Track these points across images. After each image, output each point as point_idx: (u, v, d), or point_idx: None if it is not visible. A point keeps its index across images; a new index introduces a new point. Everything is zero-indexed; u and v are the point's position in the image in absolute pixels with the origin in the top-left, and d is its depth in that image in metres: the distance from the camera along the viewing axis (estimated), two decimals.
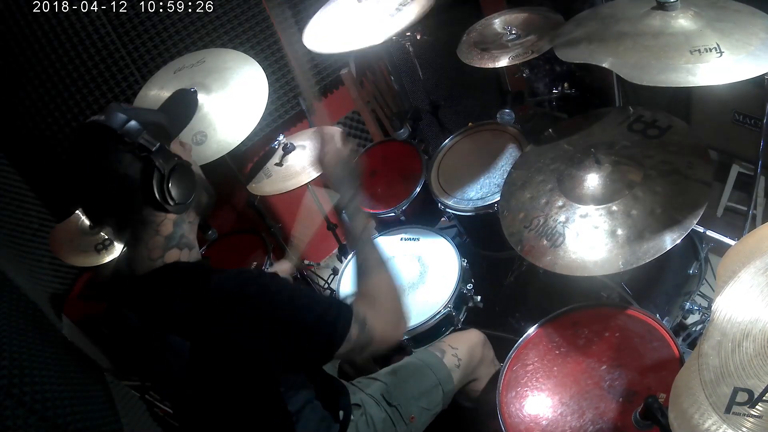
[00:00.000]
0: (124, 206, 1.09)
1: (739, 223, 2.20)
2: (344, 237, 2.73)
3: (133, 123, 1.04)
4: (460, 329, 1.84)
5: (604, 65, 1.34)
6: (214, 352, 1.07)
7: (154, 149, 1.03)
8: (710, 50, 1.23)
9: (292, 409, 1.21)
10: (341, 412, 1.40)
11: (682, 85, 1.22)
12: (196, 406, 1.20)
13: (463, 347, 1.70)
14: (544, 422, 1.36)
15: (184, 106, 1.26)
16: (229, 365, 1.08)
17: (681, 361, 1.33)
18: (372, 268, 1.23)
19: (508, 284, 2.14)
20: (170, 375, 1.16)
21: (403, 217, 2.16)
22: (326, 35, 2.03)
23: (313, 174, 2.02)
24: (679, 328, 1.84)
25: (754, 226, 1.94)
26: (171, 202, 1.07)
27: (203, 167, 1.28)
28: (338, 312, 1.10)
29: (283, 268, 1.83)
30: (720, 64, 1.21)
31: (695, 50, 1.24)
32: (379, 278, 1.22)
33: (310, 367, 1.26)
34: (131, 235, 1.12)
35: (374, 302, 1.17)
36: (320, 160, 1.33)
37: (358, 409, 1.47)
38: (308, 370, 1.28)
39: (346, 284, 2.00)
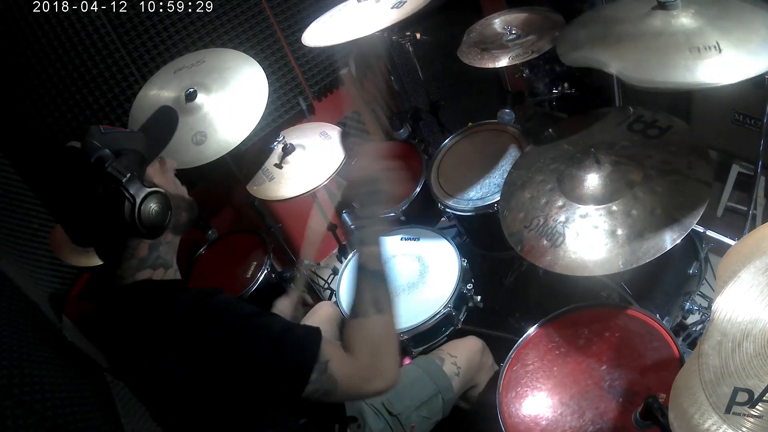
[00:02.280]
0: (99, 234, 1.12)
1: (739, 223, 2.20)
2: (345, 238, 2.73)
3: (105, 152, 1.05)
4: (458, 337, 1.83)
5: (610, 71, 1.33)
6: (184, 369, 1.05)
7: (124, 180, 1.05)
8: (710, 48, 1.23)
9: (282, 426, 1.18)
10: (336, 426, 1.39)
11: (681, 85, 1.21)
12: (176, 418, 1.16)
13: (462, 355, 1.70)
14: (544, 422, 1.36)
15: (163, 126, 1.25)
16: (202, 383, 1.04)
17: (681, 361, 1.33)
18: (366, 306, 1.08)
19: (508, 284, 2.14)
20: (145, 387, 1.15)
21: (403, 217, 2.16)
22: (326, 32, 2.03)
23: (316, 181, 2.04)
24: (679, 328, 1.84)
25: (754, 226, 1.94)
26: (143, 230, 1.08)
27: (203, 167, 1.28)
28: (302, 349, 0.99)
29: (281, 308, 1.66)
30: (720, 63, 1.21)
31: (695, 48, 1.24)
32: (370, 321, 1.06)
33: (278, 401, 1.05)
34: (107, 257, 1.16)
35: (350, 350, 1.05)
36: (354, 171, 1.22)
37: (355, 422, 1.47)
38: (279, 408, 1.10)
39: (346, 284, 2.00)
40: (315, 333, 1.03)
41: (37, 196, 2.21)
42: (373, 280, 1.10)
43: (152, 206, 1.08)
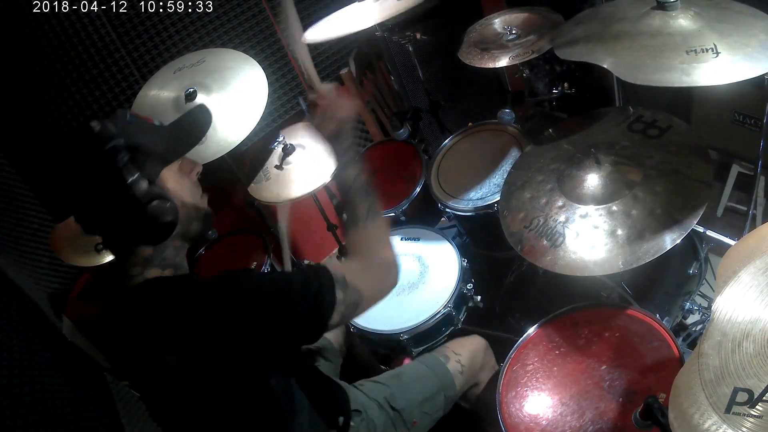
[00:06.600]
0: (103, 226, 1.10)
1: (739, 223, 2.21)
2: (342, 234, 2.72)
3: (120, 143, 1.01)
4: (462, 335, 1.83)
5: (604, 65, 1.34)
6: (201, 362, 1.04)
7: (130, 180, 1.01)
8: (707, 51, 1.23)
9: (285, 416, 1.19)
10: (341, 418, 1.39)
11: (675, 85, 1.21)
12: (187, 416, 1.16)
13: (466, 353, 1.70)
14: (544, 422, 1.36)
15: (194, 127, 1.19)
16: (219, 374, 1.05)
17: (681, 361, 1.33)
18: (356, 220, 1.20)
19: (508, 284, 2.14)
20: (157, 385, 1.13)
21: (403, 217, 2.16)
22: (327, 28, 2.03)
23: (314, 185, 2.03)
24: (679, 328, 1.84)
25: (754, 226, 1.94)
26: (140, 236, 1.06)
27: (202, 167, 1.26)
28: (319, 282, 1.08)
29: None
30: (716, 65, 1.21)
31: (691, 50, 1.24)
32: (363, 231, 1.20)
33: (305, 344, 1.20)
34: (114, 251, 1.13)
35: (354, 257, 1.17)
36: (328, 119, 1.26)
37: (359, 414, 1.47)
38: (301, 347, 1.24)
39: None
40: (319, 265, 1.12)
41: (37, 196, 2.22)
42: (363, 196, 1.21)
43: (155, 214, 1.05)
